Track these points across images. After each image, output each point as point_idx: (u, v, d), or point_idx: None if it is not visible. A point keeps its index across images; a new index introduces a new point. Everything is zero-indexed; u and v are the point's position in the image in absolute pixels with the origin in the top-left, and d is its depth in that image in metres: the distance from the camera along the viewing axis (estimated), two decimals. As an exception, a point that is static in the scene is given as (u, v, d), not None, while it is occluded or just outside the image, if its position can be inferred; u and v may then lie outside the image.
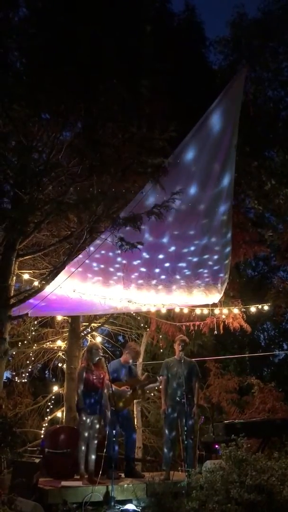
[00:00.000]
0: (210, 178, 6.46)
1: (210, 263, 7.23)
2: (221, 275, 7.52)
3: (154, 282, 7.14)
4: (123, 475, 6.43)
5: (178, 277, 7.23)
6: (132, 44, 6.12)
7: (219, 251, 7.11)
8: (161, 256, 6.88)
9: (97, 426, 6.11)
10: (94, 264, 6.50)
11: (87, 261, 6.20)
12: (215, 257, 7.17)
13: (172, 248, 6.83)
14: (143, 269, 6.84)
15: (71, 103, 5.54)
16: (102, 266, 6.58)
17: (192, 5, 11.79)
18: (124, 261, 6.43)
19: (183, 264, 7.13)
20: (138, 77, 5.95)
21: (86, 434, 6.02)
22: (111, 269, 6.67)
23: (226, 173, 6.54)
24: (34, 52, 5.62)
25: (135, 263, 6.62)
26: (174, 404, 6.46)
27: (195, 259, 7.11)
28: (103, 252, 6.30)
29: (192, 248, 6.97)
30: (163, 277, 7.11)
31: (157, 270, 7.01)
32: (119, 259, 6.40)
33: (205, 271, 7.33)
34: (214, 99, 5.99)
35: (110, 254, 6.23)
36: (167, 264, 7.00)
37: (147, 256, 6.67)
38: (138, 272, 6.88)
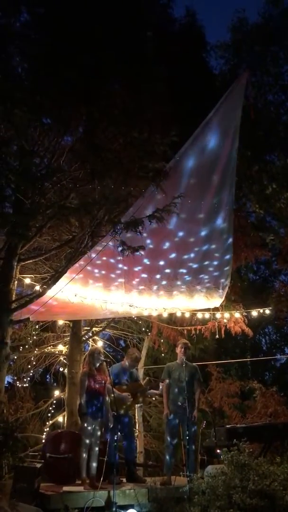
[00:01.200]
0: (209, 187, 6.47)
1: (217, 254, 7.10)
2: (222, 280, 7.49)
3: (158, 276, 7.07)
4: (124, 479, 6.40)
5: (183, 270, 7.12)
6: (133, 49, 6.14)
7: (224, 240, 6.98)
8: (167, 245, 6.75)
9: (99, 431, 6.09)
10: (97, 260, 6.43)
11: (88, 268, 6.18)
12: (222, 248, 7.05)
13: (180, 234, 6.66)
14: (146, 261, 6.75)
15: (73, 108, 5.56)
16: (104, 258, 6.46)
17: (192, 11, 11.89)
18: (127, 253, 6.36)
19: (190, 255, 7.00)
20: (139, 82, 5.96)
21: (87, 439, 6.00)
22: (112, 261, 6.56)
23: (227, 177, 6.54)
24: (36, 57, 5.64)
25: (138, 254, 6.54)
26: (176, 408, 6.45)
27: (204, 247, 6.95)
28: (104, 257, 6.29)
29: (203, 233, 6.81)
30: (167, 270, 7.02)
31: (161, 263, 6.92)
32: (119, 249, 6.30)
33: (214, 262, 7.18)
34: (215, 103, 6.00)
35: (110, 244, 6.17)
36: (172, 255, 6.88)
37: (151, 246, 6.54)
38: (142, 265, 6.76)
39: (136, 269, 6.73)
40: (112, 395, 5.91)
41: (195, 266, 7.12)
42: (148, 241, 6.32)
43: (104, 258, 6.33)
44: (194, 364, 6.96)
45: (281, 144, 10.58)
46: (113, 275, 6.77)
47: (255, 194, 10.45)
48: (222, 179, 6.46)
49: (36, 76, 5.58)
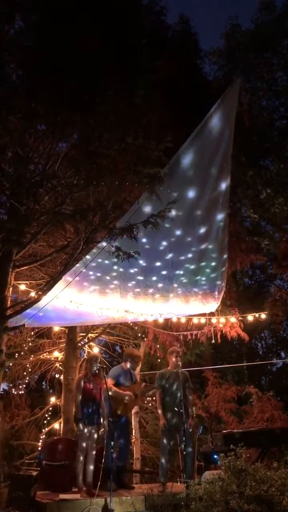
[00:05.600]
0: (206, 188, 6.48)
1: (214, 255, 7.11)
2: (218, 282, 7.50)
3: (154, 278, 7.03)
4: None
5: (180, 272, 7.11)
6: (128, 56, 6.17)
7: (222, 239, 6.98)
8: (163, 245, 6.76)
9: (95, 436, 6.06)
10: (92, 262, 6.40)
11: (83, 270, 6.17)
12: (219, 247, 7.05)
13: (177, 233, 6.64)
14: (142, 263, 6.72)
15: (68, 115, 5.57)
16: (99, 260, 6.42)
17: (186, 17, 11.98)
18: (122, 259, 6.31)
19: (187, 255, 6.97)
20: (134, 89, 5.99)
21: (84, 445, 5.97)
22: (107, 262, 6.51)
23: (222, 183, 6.56)
24: (30, 64, 5.66)
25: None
26: (172, 415, 6.42)
27: (201, 247, 6.95)
28: (99, 259, 6.26)
29: (201, 231, 6.78)
30: (164, 272, 7.01)
31: (158, 264, 6.90)
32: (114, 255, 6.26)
33: (212, 263, 7.18)
34: (209, 109, 6.04)
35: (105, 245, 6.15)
36: (169, 256, 6.88)
37: (147, 246, 6.54)
38: (138, 266, 6.73)
39: (131, 270, 6.72)
40: (109, 392, 5.89)
41: (192, 267, 7.12)
42: (144, 240, 6.31)
43: (99, 260, 6.32)
44: (184, 371, 6.93)
45: (275, 149, 10.64)
46: (108, 277, 6.75)
47: (249, 199, 10.50)
48: (220, 175, 6.48)
49: (31, 83, 5.59)
